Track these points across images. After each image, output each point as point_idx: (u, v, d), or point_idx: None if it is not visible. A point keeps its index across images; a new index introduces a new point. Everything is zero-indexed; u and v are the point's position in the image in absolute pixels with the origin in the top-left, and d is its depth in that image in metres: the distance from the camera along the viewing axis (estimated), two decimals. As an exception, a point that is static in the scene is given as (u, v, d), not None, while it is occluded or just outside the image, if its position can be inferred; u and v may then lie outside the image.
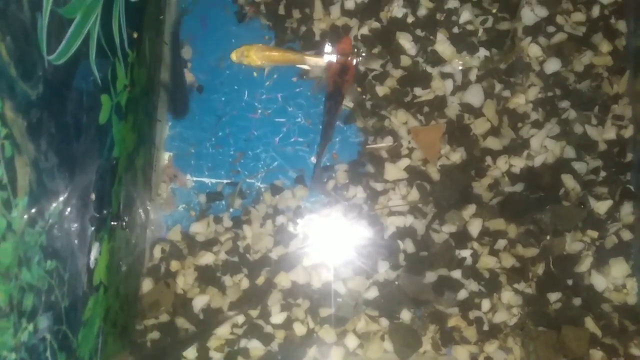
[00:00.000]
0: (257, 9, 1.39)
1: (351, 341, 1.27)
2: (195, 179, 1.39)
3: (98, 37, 0.96)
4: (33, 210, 0.77)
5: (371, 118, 1.36)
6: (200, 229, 1.34)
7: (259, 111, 1.41)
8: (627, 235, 1.25)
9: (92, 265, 1.00)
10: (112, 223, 1.08)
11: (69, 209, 0.88)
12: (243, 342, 1.25)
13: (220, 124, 1.40)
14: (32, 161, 0.76)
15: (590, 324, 1.21)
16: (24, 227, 0.75)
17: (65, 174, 0.86)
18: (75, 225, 0.91)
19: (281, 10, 1.39)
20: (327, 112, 1.34)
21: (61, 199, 0.85)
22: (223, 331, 1.24)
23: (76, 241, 0.93)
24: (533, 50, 1.32)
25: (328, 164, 1.38)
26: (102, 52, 0.98)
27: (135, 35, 1.14)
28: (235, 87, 1.41)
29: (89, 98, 0.94)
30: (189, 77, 1.42)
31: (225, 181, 1.38)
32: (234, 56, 1.35)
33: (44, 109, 0.78)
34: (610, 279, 1.24)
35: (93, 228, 0.98)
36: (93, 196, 0.98)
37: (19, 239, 0.74)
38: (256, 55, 1.34)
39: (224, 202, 1.37)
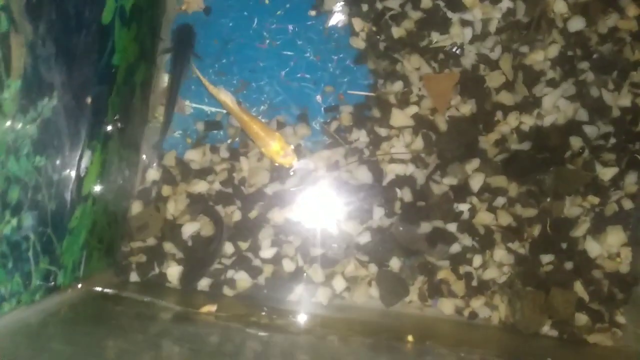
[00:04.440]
0: None
1: (339, 283, 1.25)
2: (194, 105, 1.34)
3: None
4: (26, 97, 0.72)
5: (383, 60, 1.30)
6: (195, 157, 1.29)
7: (267, 41, 1.35)
8: (628, 204, 1.24)
9: (82, 173, 0.96)
10: (107, 130, 1.03)
11: (63, 106, 0.83)
12: (230, 273, 1.23)
13: (225, 51, 1.34)
14: (28, 43, 0.70)
15: (579, 288, 1.21)
16: (14, 113, 0.70)
17: (62, 68, 0.81)
18: (69, 125, 0.87)
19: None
20: None
21: (56, 93, 0.80)
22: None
23: (68, 143, 0.88)
24: (559, 6, 1.26)
25: (333, 104, 1.33)
26: (110, -55, 0.92)
27: (145, -63, 1.07)
28: (245, 12, 1.34)
29: (92, -8, 0.88)
30: (197, -2, 1.35)
31: (225, 111, 1.33)
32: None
33: (45, -11, 0.73)
34: (605, 247, 1.23)
35: (86, 134, 0.94)
36: (89, 100, 0.93)
37: (8, 124, 0.69)
38: None
39: (222, 132, 1.33)
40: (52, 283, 0.90)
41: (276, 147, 1.22)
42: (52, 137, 0.82)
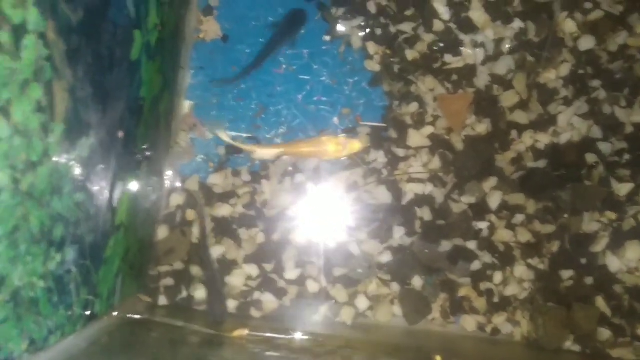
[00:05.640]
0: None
1: (362, 303, 1.27)
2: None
3: (135, -30, 0.93)
4: (68, 139, 0.75)
5: (398, 82, 1.34)
6: (218, 181, 1.33)
7: (284, 66, 1.38)
8: (645, 219, 1.25)
9: (115, 204, 0.99)
10: (136, 160, 1.06)
11: (99, 143, 0.87)
12: (256, 295, 1.25)
13: (244, 76, 1.38)
14: (69, 88, 0.74)
15: (600, 303, 1.23)
16: (59, 155, 0.74)
17: (98, 107, 0.84)
18: (103, 160, 0.90)
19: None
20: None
21: (92, 131, 0.84)
22: (237, 282, 1.25)
23: (103, 177, 0.91)
24: (568, 25, 1.29)
25: (350, 126, 1.36)
26: (138, -14, 0.96)
27: (168, -26, 1.11)
28: (261, 39, 1.38)
29: (122, 32, 0.91)
30: (214, 25, 1.39)
31: (245, 135, 1.36)
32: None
33: (83, 36, 0.76)
34: (625, 261, 1.24)
35: (118, 166, 0.97)
36: (121, 134, 0.96)
37: (53, 166, 0.73)
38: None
39: (242, 156, 1.36)
40: (90, 312, 0.92)
41: (332, 147, 1.21)
42: (89, 174, 0.85)
